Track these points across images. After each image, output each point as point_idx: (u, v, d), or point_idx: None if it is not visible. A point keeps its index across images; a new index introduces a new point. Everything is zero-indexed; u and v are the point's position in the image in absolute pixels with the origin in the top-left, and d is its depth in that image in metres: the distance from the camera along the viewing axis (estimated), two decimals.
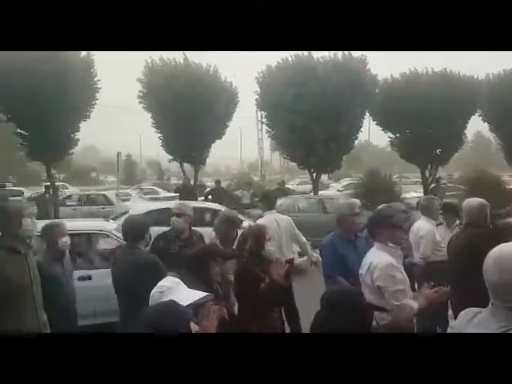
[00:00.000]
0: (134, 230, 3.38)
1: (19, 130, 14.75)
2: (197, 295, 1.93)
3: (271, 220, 5.01)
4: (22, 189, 24.48)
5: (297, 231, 5.27)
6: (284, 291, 3.66)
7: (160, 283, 2.01)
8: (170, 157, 18.08)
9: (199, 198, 14.82)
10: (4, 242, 2.82)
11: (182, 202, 4.84)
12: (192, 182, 16.86)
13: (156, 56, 16.86)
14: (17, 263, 2.81)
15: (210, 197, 14.56)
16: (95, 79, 15.23)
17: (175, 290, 1.91)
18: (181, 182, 18.32)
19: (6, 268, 2.73)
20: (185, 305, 1.74)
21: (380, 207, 3.04)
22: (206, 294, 1.99)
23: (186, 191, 14.35)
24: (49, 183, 15.34)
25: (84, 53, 14.79)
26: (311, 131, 14.81)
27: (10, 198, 13.02)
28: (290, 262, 4.58)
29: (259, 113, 20.12)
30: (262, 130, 20.87)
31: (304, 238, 5.30)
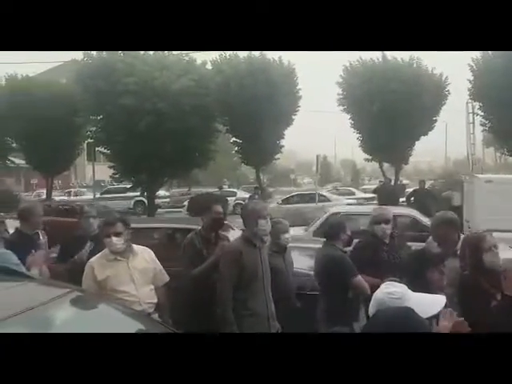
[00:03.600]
0: (332, 228, 3.73)
1: (234, 139, 16.85)
2: (436, 306, 1.89)
3: None
4: (235, 190, 27.89)
5: None
6: None
7: (391, 288, 1.93)
8: (369, 156, 17.72)
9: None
10: (244, 234, 3.35)
11: (382, 207, 4.71)
12: (392, 183, 16.10)
13: (354, 57, 16.81)
14: (252, 254, 3.24)
15: (412, 199, 13.53)
16: (297, 87, 16.14)
17: (410, 298, 1.89)
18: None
19: (243, 256, 3.19)
20: (426, 317, 1.74)
21: None
22: (441, 301, 1.94)
23: (386, 193, 13.64)
24: (257, 185, 17.11)
25: (286, 61, 15.85)
26: None
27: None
28: None
29: (470, 104, 17.71)
30: (473, 123, 18.31)
31: None
